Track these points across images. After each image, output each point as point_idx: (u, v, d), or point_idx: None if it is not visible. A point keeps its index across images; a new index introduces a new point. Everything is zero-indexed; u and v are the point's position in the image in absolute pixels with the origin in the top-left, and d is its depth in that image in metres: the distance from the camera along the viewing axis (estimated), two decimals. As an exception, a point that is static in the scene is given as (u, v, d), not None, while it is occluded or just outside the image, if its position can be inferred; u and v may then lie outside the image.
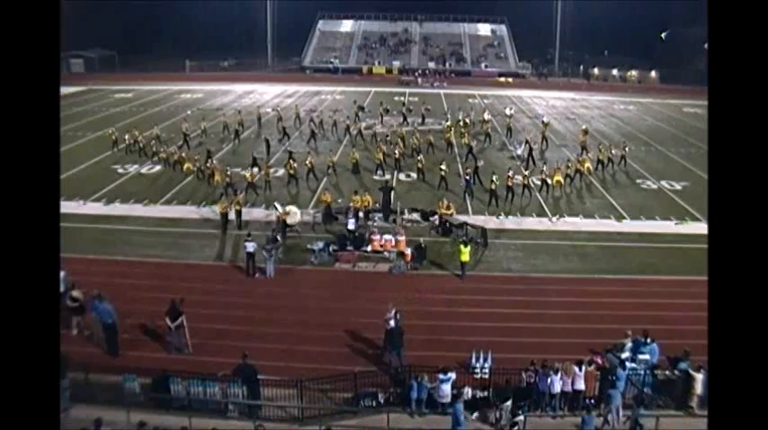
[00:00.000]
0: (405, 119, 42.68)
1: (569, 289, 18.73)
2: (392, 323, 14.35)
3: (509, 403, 12.56)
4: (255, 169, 28.39)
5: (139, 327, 15.79)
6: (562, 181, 28.33)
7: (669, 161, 35.54)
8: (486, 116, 42.25)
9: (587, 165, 30.57)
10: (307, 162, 28.76)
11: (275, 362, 13.60)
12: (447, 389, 12.76)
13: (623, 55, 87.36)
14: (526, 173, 27.43)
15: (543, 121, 41.88)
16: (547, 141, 37.16)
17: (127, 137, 34.21)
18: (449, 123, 40.26)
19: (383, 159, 30.82)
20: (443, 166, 28.32)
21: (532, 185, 27.57)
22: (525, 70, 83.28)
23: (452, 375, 12.85)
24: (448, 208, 23.29)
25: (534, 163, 31.55)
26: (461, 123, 39.76)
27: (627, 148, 33.90)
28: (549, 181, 27.68)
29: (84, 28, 67.63)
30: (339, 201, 24.76)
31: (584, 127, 40.30)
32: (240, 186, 26.39)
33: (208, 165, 28.43)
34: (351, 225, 21.63)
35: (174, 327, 14.69)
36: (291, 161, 28.36)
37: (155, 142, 33.05)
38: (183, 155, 30.75)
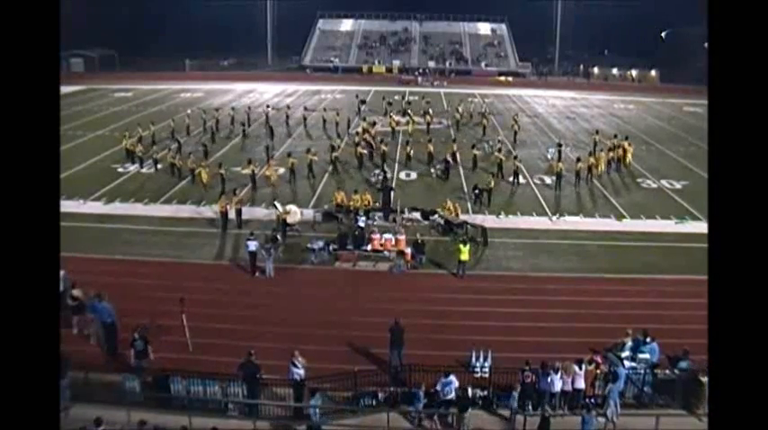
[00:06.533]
0: (404, 114, 43.19)
1: (569, 288, 18.73)
2: (300, 372, 12.91)
3: (468, 414, 12.43)
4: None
5: (139, 327, 15.73)
6: (604, 167, 30.91)
7: (669, 160, 35.55)
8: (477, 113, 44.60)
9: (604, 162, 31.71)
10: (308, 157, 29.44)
11: (275, 361, 13.59)
12: (448, 389, 12.78)
13: (623, 54, 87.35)
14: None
15: (515, 118, 42.76)
16: (516, 136, 39.12)
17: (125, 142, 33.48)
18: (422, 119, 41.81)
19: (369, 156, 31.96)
20: (477, 151, 31.86)
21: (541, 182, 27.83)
22: (525, 69, 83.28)
23: (452, 378, 12.82)
24: (450, 210, 23.29)
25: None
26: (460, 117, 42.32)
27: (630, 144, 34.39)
28: (594, 169, 29.81)
29: (84, 28, 67.57)
30: (326, 206, 24.81)
31: (514, 115, 43.59)
32: (239, 185, 26.44)
33: (221, 171, 27.37)
34: (361, 222, 21.73)
35: (138, 355, 13.60)
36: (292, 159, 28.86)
37: (139, 145, 31.98)
38: (203, 164, 28.67)
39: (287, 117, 42.48)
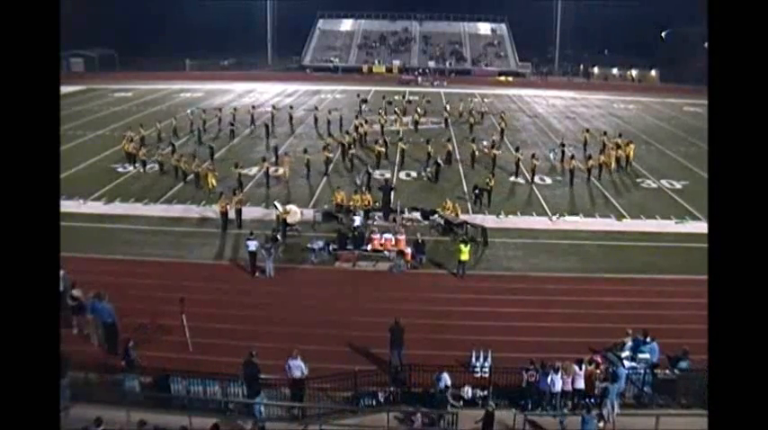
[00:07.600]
0: (404, 114, 43.28)
1: (569, 288, 18.73)
2: (297, 371, 12.91)
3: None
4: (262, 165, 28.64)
5: (140, 327, 15.76)
6: (613, 163, 31.40)
7: (669, 160, 35.55)
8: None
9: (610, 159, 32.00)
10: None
11: (275, 361, 13.60)
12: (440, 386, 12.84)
13: (623, 54, 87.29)
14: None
15: (502, 116, 42.69)
16: (503, 134, 38.77)
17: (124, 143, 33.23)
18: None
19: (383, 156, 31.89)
20: (496, 151, 31.57)
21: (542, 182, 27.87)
22: (525, 69, 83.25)
23: (444, 375, 12.87)
24: (449, 209, 23.29)
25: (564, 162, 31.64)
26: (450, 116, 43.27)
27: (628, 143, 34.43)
28: (605, 167, 30.54)
29: (84, 28, 67.53)
30: (326, 206, 24.82)
31: (500, 113, 43.76)
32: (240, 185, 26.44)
33: (239, 171, 27.17)
34: (357, 221, 21.70)
35: (129, 364, 13.45)
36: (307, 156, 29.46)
37: (142, 149, 31.74)
38: (209, 167, 28.24)
39: (272, 116, 42.24)
